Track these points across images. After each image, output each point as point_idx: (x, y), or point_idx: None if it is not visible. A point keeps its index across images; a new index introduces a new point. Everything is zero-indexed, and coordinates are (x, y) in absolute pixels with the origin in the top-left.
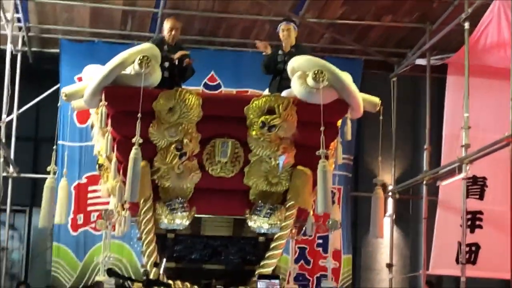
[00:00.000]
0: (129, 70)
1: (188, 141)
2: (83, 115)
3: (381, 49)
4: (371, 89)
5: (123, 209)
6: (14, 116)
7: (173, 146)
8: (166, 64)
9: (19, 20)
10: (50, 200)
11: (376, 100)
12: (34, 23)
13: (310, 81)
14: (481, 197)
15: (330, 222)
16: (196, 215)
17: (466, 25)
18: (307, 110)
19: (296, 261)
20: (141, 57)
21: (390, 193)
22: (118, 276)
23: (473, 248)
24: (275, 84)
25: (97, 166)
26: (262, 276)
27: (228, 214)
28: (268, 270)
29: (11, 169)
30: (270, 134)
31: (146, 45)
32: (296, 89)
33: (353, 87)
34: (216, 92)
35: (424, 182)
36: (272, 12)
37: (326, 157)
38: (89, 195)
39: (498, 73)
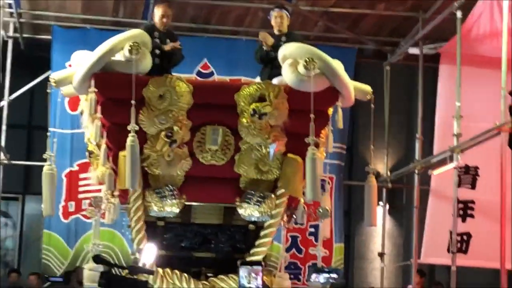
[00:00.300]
0: (119, 57)
1: (178, 129)
2: (75, 102)
3: (375, 38)
4: (364, 78)
5: (113, 196)
6: (5, 103)
7: (163, 133)
8: (157, 51)
9: (10, 6)
10: (51, 187)
11: (368, 88)
12: (25, 9)
13: (301, 68)
14: (473, 186)
15: (321, 211)
16: (186, 203)
17: (459, 14)
18: (298, 98)
19: (288, 249)
20: (131, 44)
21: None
22: (105, 263)
23: (465, 237)
24: (266, 71)
25: (87, 153)
26: (245, 263)
27: (219, 202)
28: (258, 258)
29: (2, 156)
30: (260, 122)
31: (136, 31)
32: (287, 76)
33: (345, 75)
34: (208, 79)
35: (416, 171)
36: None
37: (317, 145)
38: (81, 182)
39: (491, 63)
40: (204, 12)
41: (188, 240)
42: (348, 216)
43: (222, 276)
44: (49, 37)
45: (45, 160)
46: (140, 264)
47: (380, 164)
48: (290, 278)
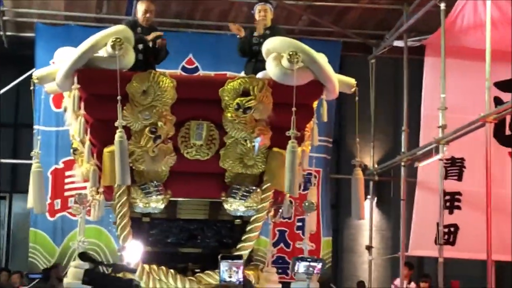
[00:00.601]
0: (102, 53)
1: (162, 124)
2: (59, 99)
3: (359, 31)
4: (350, 71)
5: (98, 193)
6: None
7: (147, 129)
8: (140, 46)
9: None
10: (40, 185)
11: (352, 81)
12: (8, 7)
13: (285, 62)
14: (459, 178)
15: (306, 204)
16: (171, 199)
17: (442, 5)
18: (282, 91)
19: (276, 244)
20: (114, 39)
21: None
22: (91, 261)
23: (452, 229)
24: (250, 66)
25: (71, 151)
26: (225, 257)
27: (204, 197)
28: (244, 253)
29: None
30: (245, 116)
31: (119, 27)
32: (271, 70)
33: (329, 68)
34: (193, 75)
35: (402, 163)
36: None
37: (301, 139)
38: (66, 180)
39: (475, 54)
40: (188, 8)
41: (174, 235)
42: (336, 210)
43: (208, 272)
44: (33, 34)
45: (31, 158)
46: (124, 262)
47: (368, 157)
48: (278, 273)
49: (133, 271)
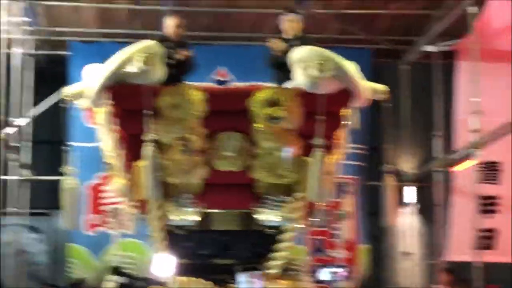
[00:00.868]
0: (132, 68)
1: (193, 137)
2: (94, 115)
3: (390, 38)
4: (382, 78)
5: (132, 207)
6: (28, 119)
7: (178, 142)
8: (170, 60)
9: (29, 23)
10: (73, 201)
11: (382, 88)
12: (43, 26)
13: (313, 71)
14: (496, 182)
15: (339, 213)
16: (204, 211)
17: (472, 9)
18: (312, 100)
19: (312, 253)
20: (144, 55)
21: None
22: (123, 275)
23: (490, 234)
24: (279, 76)
25: (106, 166)
26: (243, 269)
27: (237, 208)
28: (279, 263)
29: (27, 172)
30: (275, 126)
31: (148, 42)
32: (299, 79)
33: (358, 76)
34: (224, 86)
35: (437, 168)
36: (279, 4)
37: (331, 147)
38: (103, 195)
39: (506, 57)
40: (218, 21)
41: (208, 247)
42: (375, 217)
43: None
44: (67, 52)
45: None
46: (153, 276)
47: (405, 163)
48: (315, 282)
49: (165, 284)
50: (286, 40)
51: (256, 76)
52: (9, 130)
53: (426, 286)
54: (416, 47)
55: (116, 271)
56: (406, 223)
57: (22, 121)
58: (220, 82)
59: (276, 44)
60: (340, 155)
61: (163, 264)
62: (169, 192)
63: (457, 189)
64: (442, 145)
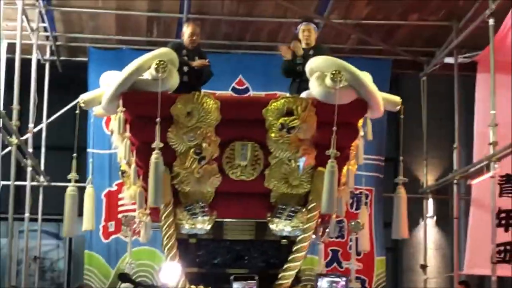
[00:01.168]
0: (147, 75)
1: (207, 145)
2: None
3: (409, 48)
4: (402, 89)
5: (145, 215)
6: (43, 125)
7: (192, 150)
8: (185, 68)
9: (46, 29)
10: (71, 209)
11: (397, 99)
12: (61, 32)
13: (328, 81)
14: None
15: (353, 224)
16: (217, 219)
17: (491, 21)
18: (326, 110)
19: (329, 264)
20: (158, 62)
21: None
22: (131, 282)
23: (508, 247)
24: (295, 86)
25: (120, 173)
26: (238, 278)
27: (250, 218)
28: (291, 274)
29: (41, 178)
30: (289, 135)
31: (163, 50)
32: (314, 89)
33: (373, 87)
34: (243, 95)
35: (455, 181)
36: (297, 14)
37: (346, 158)
38: (120, 202)
39: None
40: (237, 29)
41: (221, 256)
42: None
43: None
44: (85, 58)
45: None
46: (160, 284)
47: (427, 175)
48: None
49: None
50: (302, 49)
51: (275, 85)
52: (26, 136)
53: None
54: (436, 59)
55: (124, 277)
56: (423, 235)
57: (39, 127)
58: (238, 91)
59: (296, 47)
60: (355, 166)
61: (171, 272)
62: (182, 200)
63: (476, 202)
64: (463, 158)
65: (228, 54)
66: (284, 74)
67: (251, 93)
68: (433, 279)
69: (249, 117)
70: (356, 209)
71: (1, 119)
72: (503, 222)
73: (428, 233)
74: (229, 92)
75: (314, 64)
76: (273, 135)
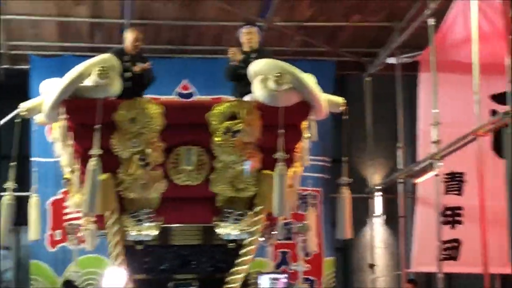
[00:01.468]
0: (89, 82)
1: (151, 151)
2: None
3: (353, 50)
4: (347, 90)
5: (90, 222)
6: None
7: (136, 156)
8: (128, 74)
9: None
10: (8, 217)
11: (340, 100)
12: (2, 40)
13: (271, 84)
14: (459, 193)
15: (299, 226)
16: (163, 225)
17: (431, 21)
18: (271, 113)
19: (278, 266)
20: (100, 68)
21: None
22: None
23: (454, 244)
24: (238, 89)
25: (63, 181)
26: (179, 284)
27: (197, 222)
28: (239, 277)
29: None
30: (234, 139)
31: (104, 56)
32: (258, 92)
33: (316, 88)
34: (187, 100)
35: (400, 180)
36: (240, 17)
37: (292, 160)
38: (66, 210)
39: (467, 68)
40: (180, 34)
41: (168, 262)
42: None
43: None
44: (27, 66)
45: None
46: None
47: (374, 174)
48: None
49: None
50: (244, 53)
51: (220, 89)
52: None
53: None
54: (379, 59)
55: (69, 285)
56: (371, 234)
57: None
58: (183, 96)
59: (234, 54)
60: (301, 168)
61: (115, 277)
62: (127, 207)
63: (421, 200)
64: (408, 157)
65: (172, 59)
66: (227, 78)
67: (196, 97)
68: (381, 277)
69: (193, 122)
70: (304, 211)
71: None
72: (449, 219)
73: (376, 232)
74: (174, 97)
75: (257, 67)
76: (217, 139)
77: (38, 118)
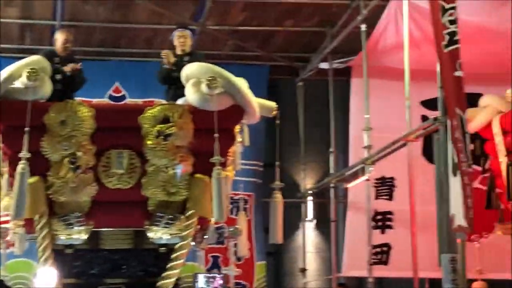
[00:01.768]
0: (19, 84)
1: (82, 154)
2: None
3: (286, 54)
4: (280, 95)
5: (19, 226)
6: None
7: (66, 159)
8: (58, 76)
9: None
10: None
11: (272, 104)
12: None
13: (204, 88)
14: (390, 198)
15: (231, 230)
16: (94, 229)
17: (363, 27)
18: (203, 117)
19: (209, 270)
20: (29, 70)
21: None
22: None
23: (385, 249)
24: (170, 92)
25: None
26: None
27: (127, 226)
28: (170, 281)
29: None
30: (166, 143)
31: (34, 58)
32: (190, 96)
33: (248, 93)
34: (119, 103)
35: (332, 185)
36: (173, 20)
37: (224, 164)
38: None
39: (399, 74)
40: (112, 36)
41: (98, 266)
42: None
43: None
44: None
45: None
46: None
47: (307, 179)
48: None
49: None
50: (177, 56)
51: (152, 92)
52: None
53: None
54: (311, 64)
55: None
56: (303, 239)
57: None
58: (114, 99)
59: (167, 57)
60: (233, 172)
61: (46, 280)
62: (57, 211)
63: (352, 205)
64: (340, 162)
65: (104, 62)
66: (160, 81)
67: (128, 100)
68: (312, 281)
69: (125, 125)
70: (236, 215)
71: None
72: (379, 224)
73: (308, 237)
74: (105, 100)
75: (190, 70)
76: (149, 142)
77: None
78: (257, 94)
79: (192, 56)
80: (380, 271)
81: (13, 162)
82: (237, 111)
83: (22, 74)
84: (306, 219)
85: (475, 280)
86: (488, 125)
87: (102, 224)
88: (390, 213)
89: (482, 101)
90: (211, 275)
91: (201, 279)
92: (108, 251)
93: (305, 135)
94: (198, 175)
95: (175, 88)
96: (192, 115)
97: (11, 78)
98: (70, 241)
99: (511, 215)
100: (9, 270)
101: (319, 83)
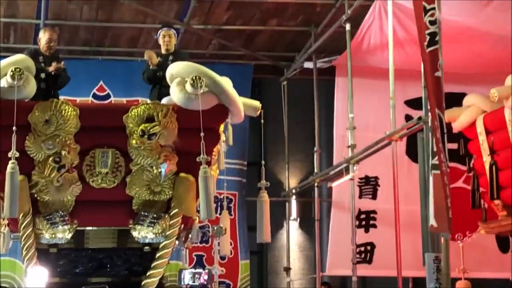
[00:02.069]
0: (3, 83)
1: (66, 153)
2: None
3: (270, 54)
4: (264, 94)
5: (3, 225)
6: None
7: (51, 158)
8: (42, 75)
9: None
10: None
11: (257, 104)
12: None
13: (188, 87)
14: (374, 197)
15: (215, 229)
16: (78, 228)
17: (347, 26)
18: (187, 116)
19: (193, 268)
20: (14, 69)
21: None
22: None
23: (368, 248)
24: (155, 92)
25: None
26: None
27: (112, 225)
28: (155, 280)
29: None
30: (150, 142)
31: (18, 57)
32: (175, 95)
33: (233, 92)
34: (104, 102)
35: (316, 184)
36: (157, 19)
37: (209, 163)
38: None
39: (383, 74)
40: (96, 35)
41: (82, 265)
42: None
43: None
44: None
45: None
46: None
47: (291, 178)
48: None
49: None
50: (161, 55)
51: (136, 91)
52: None
53: None
54: (296, 63)
55: None
56: (287, 238)
57: None
58: (99, 97)
59: (151, 56)
60: (217, 171)
61: (37, 279)
62: (41, 209)
63: (336, 204)
64: (325, 161)
65: (88, 61)
66: (145, 80)
67: (112, 99)
68: (297, 280)
69: (110, 124)
70: (220, 214)
71: None
72: (363, 223)
73: (292, 236)
74: (90, 99)
75: (174, 70)
76: (134, 141)
77: None
78: (242, 93)
79: (177, 55)
80: (364, 270)
81: None
82: (221, 111)
83: (7, 73)
84: (290, 218)
85: (459, 279)
86: (472, 125)
87: (86, 223)
88: (374, 212)
89: (466, 101)
90: (197, 271)
91: (187, 275)
92: (92, 250)
93: (289, 134)
94: (182, 174)
95: (159, 87)
96: (177, 114)
97: None
98: (54, 240)
99: (495, 214)
100: None
101: (303, 82)
